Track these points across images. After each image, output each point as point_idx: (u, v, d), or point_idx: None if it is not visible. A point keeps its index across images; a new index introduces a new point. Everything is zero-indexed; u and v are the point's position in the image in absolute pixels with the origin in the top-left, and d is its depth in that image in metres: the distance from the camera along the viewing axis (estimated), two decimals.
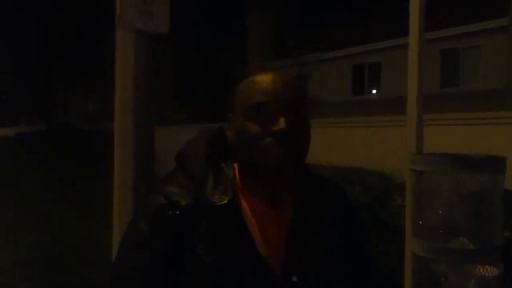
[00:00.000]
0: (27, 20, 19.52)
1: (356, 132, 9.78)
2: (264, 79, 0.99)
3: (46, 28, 18.84)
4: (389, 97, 14.34)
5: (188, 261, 0.94)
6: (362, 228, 1.16)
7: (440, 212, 1.27)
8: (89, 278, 4.15)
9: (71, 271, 4.40)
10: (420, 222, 1.27)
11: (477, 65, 13.80)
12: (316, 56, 16.88)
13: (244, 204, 1.00)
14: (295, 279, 0.97)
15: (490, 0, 12.59)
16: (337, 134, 10.11)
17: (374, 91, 16.81)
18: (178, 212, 0.96)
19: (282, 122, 0.94)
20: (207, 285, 0.93)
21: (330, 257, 1.03)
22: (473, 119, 7.90)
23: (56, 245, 5.51)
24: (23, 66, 20.24)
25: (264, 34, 15.84)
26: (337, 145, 9.40)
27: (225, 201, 0.97)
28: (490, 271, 1.25)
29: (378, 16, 15.65)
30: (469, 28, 13.62)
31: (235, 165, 1.04)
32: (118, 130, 2.45)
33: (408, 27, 1.84)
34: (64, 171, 10.57)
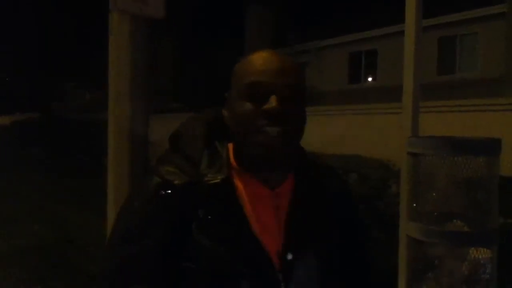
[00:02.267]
0: (25, 10, 19.39)
1: (353, 120, 9.78)
2: (259, 58, 0.99)
3: (44, 17, 18.71)
4: (386, 85, 14.33)
5: (184, 242, 0.94)
6: (358, 216, 1.17)
7: (436, 195, 1.27)
8: (87, 268, 4.16)
9: (67, 260, 4.42)
10: (414, 205, 1.27)
11: (475, 53, 13.77)
12: (314, 44, 16.82)
13: (239, 184, 0.99)
14: (290, 256, 0.97)
15: None
16: (335, 122, 10.10)
17: (370, 79, 16.77)
18: (172, 191, 0.96)
19: (273, 101, 0.93)
20: (204, 266, 0.93)
21: (327, 239, 1.04)
22: (470, 105, 7.91)
23: (51, 233, 5.52)
24: (20, 56, 20.13)
25: (263, 23, 15.77)
26: (334, 133, 9.39)
27: (218, 180, 0.96)
28: (483, 253, 1.25)
29: (375, 2, 15.56)
30: (466, 15, 13.56)
31: (230, 145, 1.04)
32: (112, 116, 2.43)
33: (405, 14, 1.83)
34: (59, 160, 10.57)
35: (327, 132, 8.96)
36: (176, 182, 0.96)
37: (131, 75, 2.40)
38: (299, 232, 1.00)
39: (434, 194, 1.23)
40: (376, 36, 15.56)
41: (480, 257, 1.20)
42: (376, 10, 15.26)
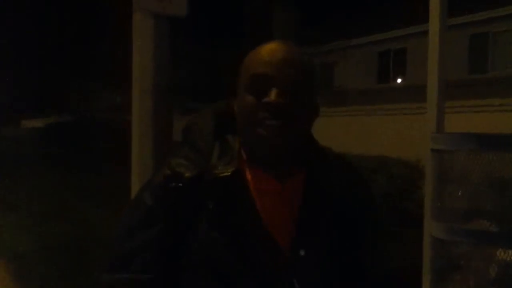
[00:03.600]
0: (53, 11, 19.88)
1: (381, 120, 9.64)
2: (265, 49, 0.97)
3: (73, 19, 19.14)
4: (415, 84, 14.08)
5: (194, 235, 0.93)
6: (373, 211, 1.11)
7: (461, 193, 1.22)
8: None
9: (92, 257, 4.48)
10: (439, 204, 1.23)
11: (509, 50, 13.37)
12: (341, 43, 16.66)
13: (249, 177, 0.98)
14: (302, 253, 0.95)
15: None
16: (363, 122, 9.98)
17: (399, 79, 16.51)
18: (181, 184, 0.95)
19: (272, 94, 0.91)
20: (213, 259, 0.92)
21: (334, 235, 1.00)
22: (500, 105, 7.68)
23: (77, 232, 5.63)
24: (51, 59, 20.64)
25: (289, 22, 15.72)
26: (362, 133, 9.28)
27: (228, 173, 0.95)
28: (511, 255, 1.19)
29: (403, 1, 15.31)
30: (499, 12, 13.19)
31: (240, 138, 1.02)
32: (136, 115, 2.45)
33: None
34: (88, 161, 10.79)
35: (354, 133, 8.85)
36: (186, 174, 0.95)
37: (154, 74, 2.41)
38: (310, 228, 0.98)
39: (460, 192, 1.18)
40: (405, 34, 15.31)
41: (509, 259, 1.15)
42: (405, 8, 15.02)
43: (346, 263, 1.01)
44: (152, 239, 0.95)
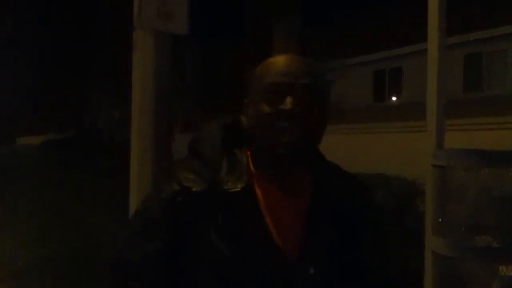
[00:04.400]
0: (56, 27, 20.00)
1: (379, 138, 9.67)
2: (279, 60, 0.99)
3: (76, 35, 19.25)
4: (411, 102, 14.16)
5: (201, 249, 0.93)
6: (378, 225, 1.11)
7: (464, 209, 1.22)
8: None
9: (98, 267, 4.45)
10: (440, 220, 1.23)
11: (503, 70, 13.50)
12: (339, 62, 16.80)
13: (258, 191, 0.98)
14: (311, 271, 0.95)
15: None
16: (360, 140, 10.01)
17: (395, 97, 16.61)
18: (190, 198, 0.94)
19: (288, 102, 0.93)
20: (221, 273, 0.92)
21: (347, 250, 1.00)
22: (498, 123, 7.73)
23: (82, 244, 5.60)
24: (51, 73, 20.68)
25: (289, 41, 15.85)
26: (360, 151, 9.30)
27: (238, 188, 0.95)
28: None
29: (399, 21, 15.50)
30: (494, 32, 13.36)
31: (248, 152, 1.02)
32: (135, 132, 2.45)
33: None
34: (89, 176, 10.74)
35: (352, 150, 8.87)
36: (194, 189, 0.95)
37: (154, 90, 2.42)
38: (319, 241, 0.98)
39: (462, 208, 1.18)
40: (401, 54, 15.46)
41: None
42: (401, 28, 15.20)
43: (346, 263, 1.01)
44: (157, 250, 0.94)
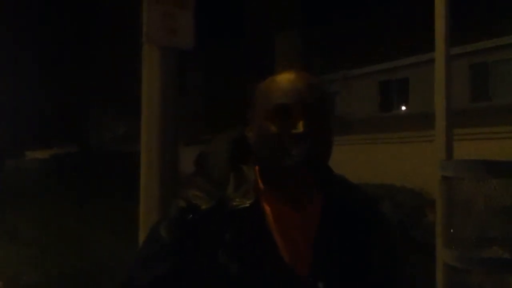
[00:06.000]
0: (59, 41, 20.20)
1: (385, 149, 9.64)
2: (285, 79, 0.98)
3: (79, 50, 19.44)
4: (417, 113, 14.14)
5: (210, 267, 0.92)
6: (388, 238, 1.08)
7: (473, 220, 1.22)
8: None
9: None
10: (452, 231, 1.22)
11: (509, 79, 13.48)
12: (343, 73, 16.84)
13: (267, 208, 0.97)
14: (321, 286, 0.94)
15: None
16: (366, 150, 9.98)
17: (402, 108, 16.60)
18: (198, 216, 0.94)
19: (300, 126, 0.92)
20: None
21: (357, 265, 0.99)
22: (506, 132, 7.70)
23: (85, 263, 5.58)
24: (55, 88, 20.82)
25: (291, 54, 15.95)
26: (366, 161, 9.26)
27: (247, 205, 0.95)
28: None
29: (405, 31, 15.54)
30: (498, 41, 13.37)
31: (257, 168, 1.02)
32: (144, 147, 2.47)
33: (433, 42, 1.82)
34: (94, 191, 10.76)
35: (358, 161, 8.85)
36: (203, 207, 0.95)
37: (161, 105, 2.44)
38: (328, 256, 0.97)
39: (471, 219, 1.18)
40: (406, 64, 15.48)
41: None
42: (405, 39, 15.23)
43: (357, 278, 0.99)
44: (166, 272, 0.93)
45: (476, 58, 13.73)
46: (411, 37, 14.47)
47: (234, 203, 0.95)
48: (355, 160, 8.60)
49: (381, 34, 16.76)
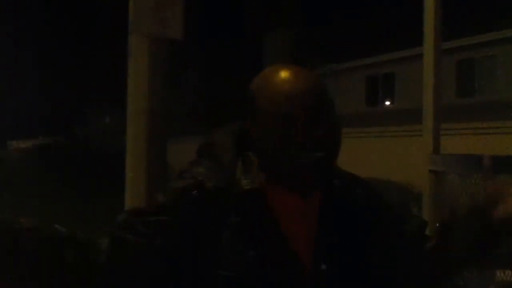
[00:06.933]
0: (48, 34, 19.99)
1: (370, 143, 9.72)
2: (289, 85, 0.96)
3: (67, 42, 19.27)
4: (403, 107, 14.25)
5: (214, 248, 0.91)
6: (389, 229, 1.06)
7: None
8: None
9: None
10: (437, 225, 1.24)
11: (495, 75, 13.62)
12: (331, 67, 16.88)
13: (271, 194, 0.98)
14: (323, 267, 0.95)
15: (505, 9, 12.46)
16: (352, 145, 10.04)
17: (388, 102, 16.70)
18: (204, 193, 0.93)
19: (310, 134, 0.93)
20: (235, 272, 0.90)
21: (359, 247, 1.00)
22: (491, 128, 7.79)
23: None
24: (42, 80, 20.63)
25: (282, 48, 15.96)
26: (352, 156, 9.33)
27: (254, 186, 0.95)
28: (510, 275, 1.20)
29: (391, 26, 15.61)
30: (484, 37, 13.48)
31: (256, 161, 1.00)
32: (130, 138, 2.44)
33: (422, 37, 1.83)
34: (76, 180, 10.69)
35: (344, 155, 8.89)
36: (208, 184, 0.93)
37: (149, 97, 2.42)
38: (330, 241, 0.98)
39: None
40: (394, 59, 15.55)
41: (508, 279, 1.15)
42: (393, 33, 15.31)
43: (359, 268, 1.00)
44: (177, 245, 0.92)
45: (463, 54, 13.85)
46: (398, 31, 14.54)
47: (243, 185, 0.95)
48: (340, 154, 8.66)
49: (369, 29, 16.83)
